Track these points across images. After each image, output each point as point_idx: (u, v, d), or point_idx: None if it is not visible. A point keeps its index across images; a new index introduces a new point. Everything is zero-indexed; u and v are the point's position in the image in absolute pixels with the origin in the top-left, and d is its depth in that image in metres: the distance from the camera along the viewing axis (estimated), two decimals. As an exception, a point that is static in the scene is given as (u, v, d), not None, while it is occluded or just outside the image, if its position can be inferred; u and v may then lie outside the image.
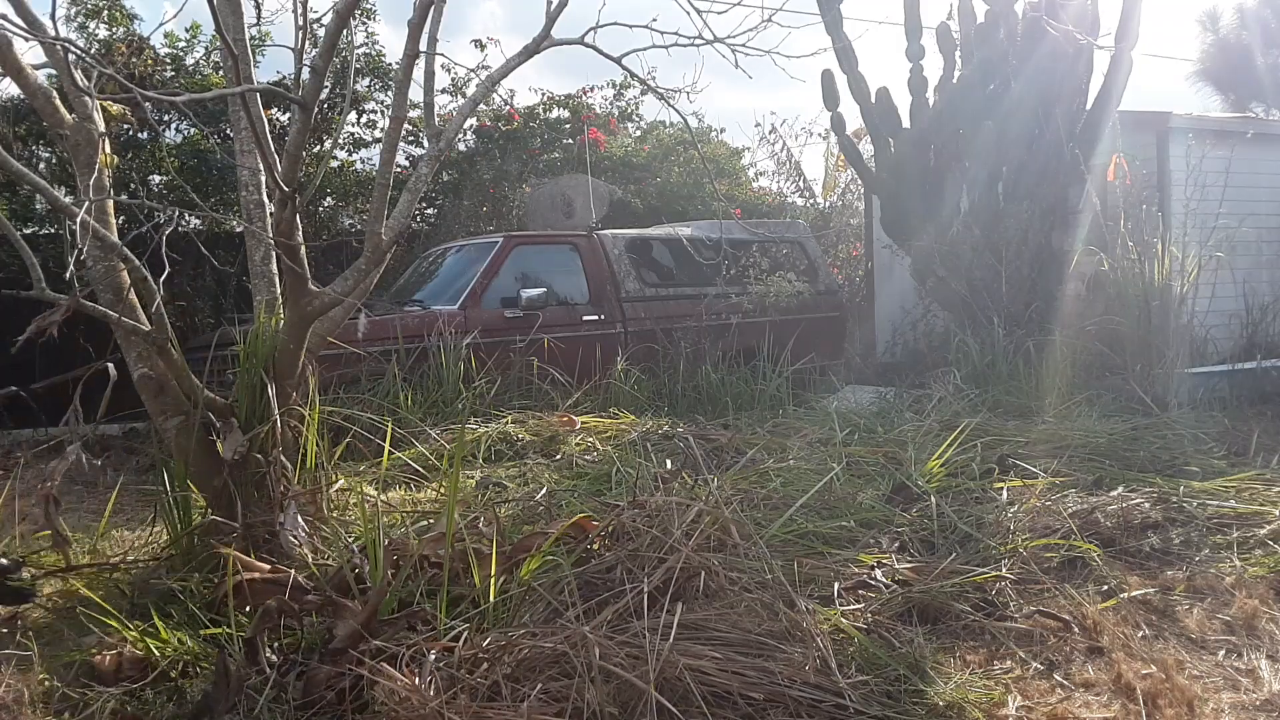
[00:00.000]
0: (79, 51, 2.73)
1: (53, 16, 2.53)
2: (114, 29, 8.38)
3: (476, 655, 2.23)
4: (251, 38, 3.54)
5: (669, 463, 4.21)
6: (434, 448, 4.57)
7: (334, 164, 9.41)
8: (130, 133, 7.58)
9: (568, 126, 11.18)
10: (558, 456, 4.72)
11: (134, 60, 7.61)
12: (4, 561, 2.17)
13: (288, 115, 8.07)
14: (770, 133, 12.03)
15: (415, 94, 6.76)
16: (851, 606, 2.68)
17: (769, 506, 3.55)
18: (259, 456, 3.06)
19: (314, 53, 2.98)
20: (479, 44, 11.54)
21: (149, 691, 2.34)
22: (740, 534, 2.92)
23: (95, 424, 5.96)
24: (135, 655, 2.45)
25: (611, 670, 2.10)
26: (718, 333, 7.35)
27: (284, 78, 8.03)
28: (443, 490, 4.04)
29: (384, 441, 4.06)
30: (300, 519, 3.10)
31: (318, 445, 3.44)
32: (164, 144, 8.35)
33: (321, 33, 3.16)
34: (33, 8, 2.97)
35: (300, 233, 3.13)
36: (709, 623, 2.41)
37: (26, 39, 2.76)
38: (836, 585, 2.77)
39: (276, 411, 3.05)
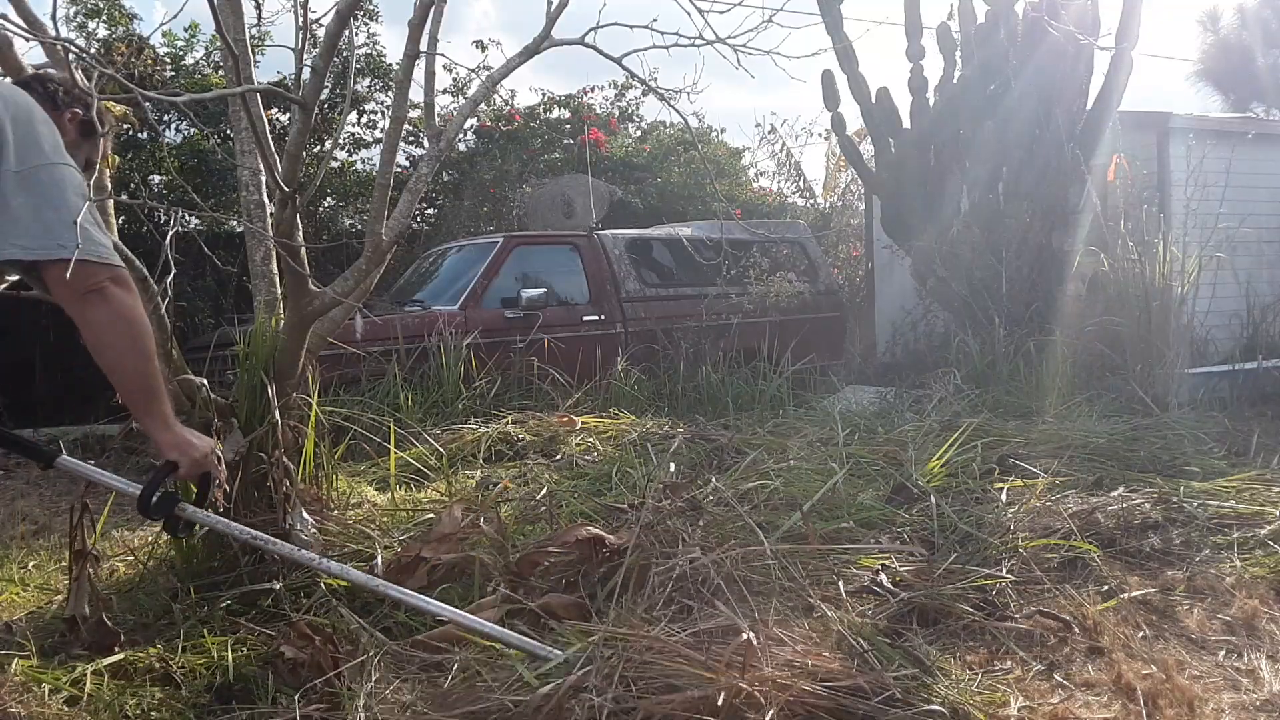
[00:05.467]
0: (79, 51, 2.73)
1: (53, 16, 2.53)
2: (114, 29, 8.39)
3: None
4: (251, 38, 3.54)
5: (671, 465, 4.21)
6: (433, 448, 4.57)
7: (334, 164, 9.41)
8: (130, 133, 7.57)
9: (568, 127, 11.19)
10: (558, 457, 4.72)
11: (134, 60, 7.61)
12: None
13: (288, 115, 8.06)
14: (770, 133, 12.07)
15: (416, 94, 6.74)
16: (857, 607, 2.68)
17: (769, 508, 3.55)
18: (261, 456, 3.06)
19: (314, 53, 2.98)
20: (480, 44, 11.59)
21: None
22: (752, 538, 2.93)
23: (95, 424, 5.96)
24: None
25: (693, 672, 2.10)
26: (718, 333, 7.35)
27: (284, 78, 8.03)
28: (443, 491, 4.05)
29: (384, 441, 4.07)
30: (307, 516, 3.10)
31: (318, 445, 3.44)
32: (164, 144, 8.35)
33: (322, 33, 3.15)
34: (33, 8, 2.97)
35: (300, 233, 3.13)
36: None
37: (27, 39, 2.75)
38: (842, 586, 2.77)
39: (277, 412, 3.05)
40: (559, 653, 2.23)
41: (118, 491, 2.22)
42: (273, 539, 2.41)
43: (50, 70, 2.33)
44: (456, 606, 2.55)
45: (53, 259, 1.78)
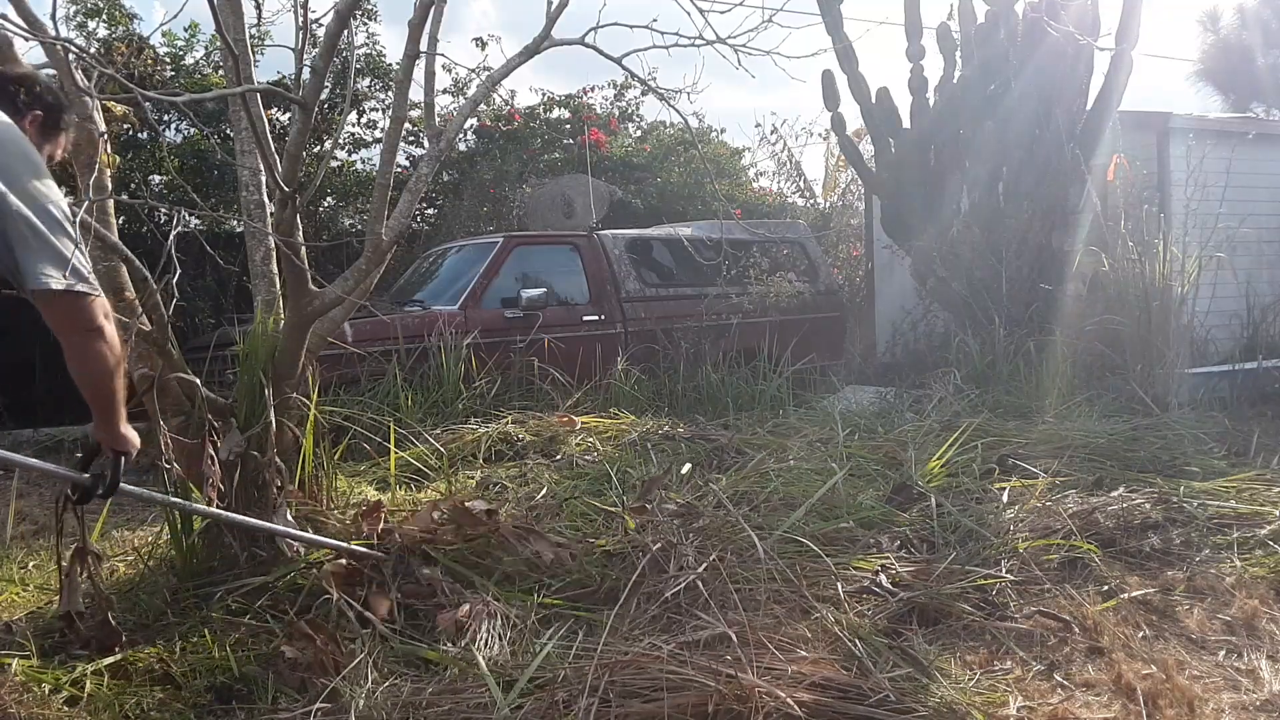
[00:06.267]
0: (79, 51, 2.73)
1: (53, 16, 2.53)
2: (114, 29, 8.38)
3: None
4: (251, 38, 3.54)
5: (673, 467, 4.21)
6: (433, 448, 4.57)
7: (334, 164, 9.40)
8: (130, 133, 7.57)
9: (568, 127, 11.18)
10: (558, 457, 4.72)
11: (134, 60, 7.60)
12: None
13: (288, 115, 8.07)
14: (770, 133, 12.01)
15: (416, 94, 6.74)
16: (855, 608, 2.68)
17: (769, 509, 3.55)
18: (256, 455, 3.05)
19: (314, 53, 2.97)
20: (480, 43, 11.58)
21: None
22: (748, 541, 2.94)
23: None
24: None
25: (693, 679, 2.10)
26: (718, 333, 7.35)
27: (284, 78, 8.03)
28: (443, 491, 4.05)
29: (384, 441, 4.07)
30: (290, 518, 3.08)
31: (317, 446, 3.43)
32: (164, 144, 8.35)
33: (322, 33, 3.15)
34: (33, 8, 2.97)
35: (300, 233, 3.13)
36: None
37: (27, 39, 2.75)
38: (841, 587, 2.77)
39: (273, 412, 3.05)
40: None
41: (49, 474, 2.37)
42: (167, 496, 2.72)
43: (6, 69, 2.33)
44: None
45: (69, 291, 1.96)
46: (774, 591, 2.71)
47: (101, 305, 2.05)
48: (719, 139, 12.62)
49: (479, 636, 2.51)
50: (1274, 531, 3.26)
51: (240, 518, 2.84)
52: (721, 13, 3.66)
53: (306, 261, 3.17)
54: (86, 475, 2.26)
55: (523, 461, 4.65)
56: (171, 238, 2.57)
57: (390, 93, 9.18)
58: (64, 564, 2.56)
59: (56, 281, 1.94)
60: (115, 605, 2.75)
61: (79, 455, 2.32)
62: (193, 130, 8.29)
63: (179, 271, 2.63)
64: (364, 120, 9.94)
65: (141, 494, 2.58)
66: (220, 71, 8.01)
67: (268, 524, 2.89)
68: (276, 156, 3.06)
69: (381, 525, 3.07)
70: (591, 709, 2.06)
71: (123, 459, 2.25)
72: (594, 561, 3.06)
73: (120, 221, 4.50)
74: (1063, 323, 6.59)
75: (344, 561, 2.87)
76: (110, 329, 2.07)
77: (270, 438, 3.04)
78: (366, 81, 9.59)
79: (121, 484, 2.29)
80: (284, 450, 3.16)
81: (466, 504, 3.14)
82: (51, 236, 1.96)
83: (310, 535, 2.95)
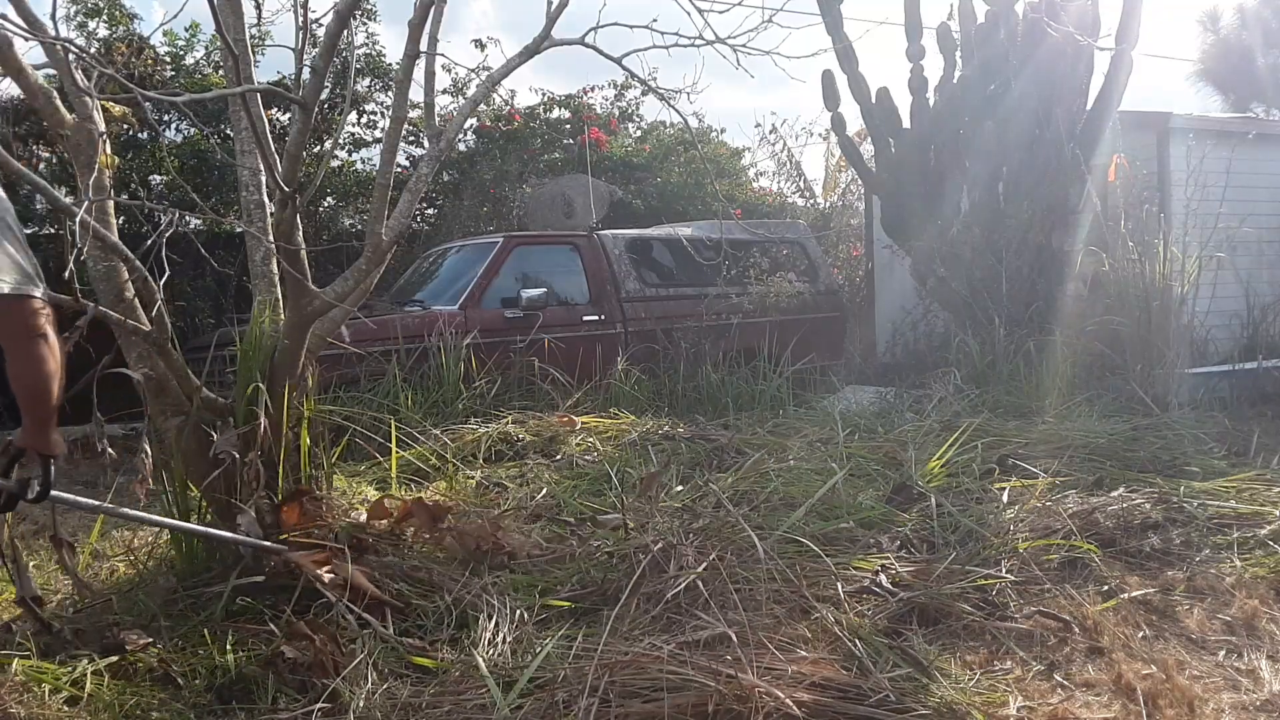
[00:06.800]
0: (79, 51, 2.73)
1: (53, 16, 2.53)
2: (114, 28, 8.38)
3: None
4: (251, 38, 3.54)
5: (672, 467, 4.21)
6: (434, 448, 4.57)
7: (334, 164, 9.40)
8: (130, 133, 7.57)
9: (568, 127, 11.18)
10: (558, 457, 4.72)
11: (134, 60, 7.60)
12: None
13: (288, 115, 8.06)
14: (770, 133, 12.01)
15: (416, 94, 6.74)
16: (855, 608, 2.68)
17: (768, 509, 3.55)
18: (232, 454, 3.05)
19: (314, 53, 2.97)
20: (479, 44, 11.57)
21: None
22: (747, 541, 2.94)
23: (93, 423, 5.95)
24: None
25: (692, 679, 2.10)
26: (718, 333, 7.35)
27: (284, 78, 8.03)
28: (443, 490, 4.05)
29: (384, 441, 4.07)
30: (255, 519, 3.07)
31: (315, 446, 3.43)
32: (164, 144, 8.35)
33: (321, 33, 3.15)
34: (33, 8, 2.97)
35: (300, 233, 3.13)
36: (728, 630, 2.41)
37: (27, 39, 2.75)
38: (841, 588, 2.77)
39: (264, 413, 3.04)
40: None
41: None
42: (98, 503, 2.65)
43: None
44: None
45: (23, 294, 1.97)
46: (774, 591, 2.71)
47: (46, 309, 2.05)
48: (719, 139, 12.63)
49: (479, 637, 2.51)
50: (1274, 531, 3.26)
51: (164, 520, 2.87)
52: (721, 13, 3.67)
53: (306, 262, 3.17)
54: (13, 481, 2.22)
55: (523, 461, 4.65)
56: (160, 237, 2.57)
57: (390, 93, 9.18)
58: (5, 553, 2.55)
59: (7, 285, 1.95)
60: (114, 605, 2.76)
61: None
62: (193, 130, 8.29)
63: (168, 274, 2.63)
64: (364, 120, 9.95)
65: (71, 500, 2.51)
66: (220, 71, 8.01)
67: (190, 525, 2.92)
68: (276, 156, 3.06)
69: (301, 517, 3.06)
70: (591, 709, 2.06)
71: (51, 463, 2.23)
72: (594, 562, 3.06)
73: (120, 221, 4.50)
74: (1063, 323, 6.58)
75: (317, 547, 2.88)
76: (52, 333, 2.08)
77: (259, 438, 3.04)
78: (366, 81, 9.59)
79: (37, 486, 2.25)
80: (271, 451, 3.15)
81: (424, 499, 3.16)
82: (4, 241, 1.96)
83: (218, 532, 2.90)
